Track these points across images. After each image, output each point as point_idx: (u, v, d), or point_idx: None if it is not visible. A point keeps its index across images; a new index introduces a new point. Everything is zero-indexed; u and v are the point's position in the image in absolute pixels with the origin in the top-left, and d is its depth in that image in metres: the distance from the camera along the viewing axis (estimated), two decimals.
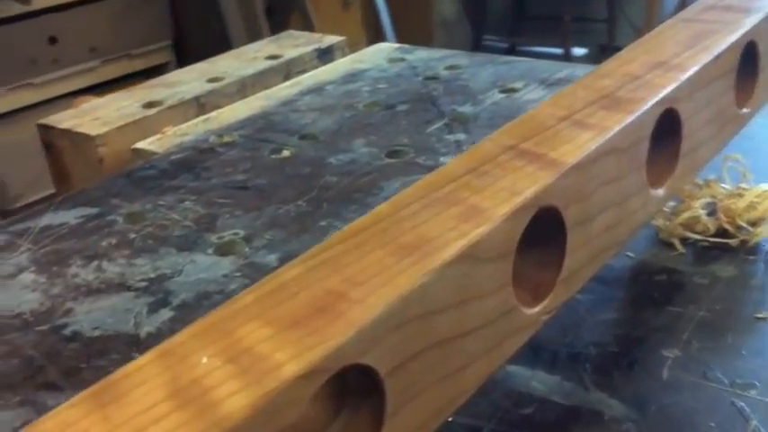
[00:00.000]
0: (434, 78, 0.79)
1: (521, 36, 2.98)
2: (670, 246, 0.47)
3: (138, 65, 2.35)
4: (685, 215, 0.47)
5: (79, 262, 0.52)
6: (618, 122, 0.36)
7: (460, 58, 0.84)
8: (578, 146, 0.34)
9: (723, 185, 0.49)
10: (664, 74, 0.41)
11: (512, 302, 0.31)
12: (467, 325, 0.29)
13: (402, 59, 0.85)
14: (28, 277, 0.51)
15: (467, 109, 0.70)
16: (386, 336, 0.25)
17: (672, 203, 0.49)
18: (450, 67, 0.81)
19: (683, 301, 0.42)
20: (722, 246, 0.46)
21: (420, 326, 0.26)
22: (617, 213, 0.37)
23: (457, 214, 0.29)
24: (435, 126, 0.68)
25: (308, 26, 2.56)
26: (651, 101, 0.38)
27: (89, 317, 0.46)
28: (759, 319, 0.40)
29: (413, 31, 2.64)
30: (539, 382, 0.38)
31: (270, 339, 0.23)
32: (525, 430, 0.35)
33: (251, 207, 0.57)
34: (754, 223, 0.47)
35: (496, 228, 0.29)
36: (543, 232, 0.34)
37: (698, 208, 0.47)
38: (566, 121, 0.36)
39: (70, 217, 0.58)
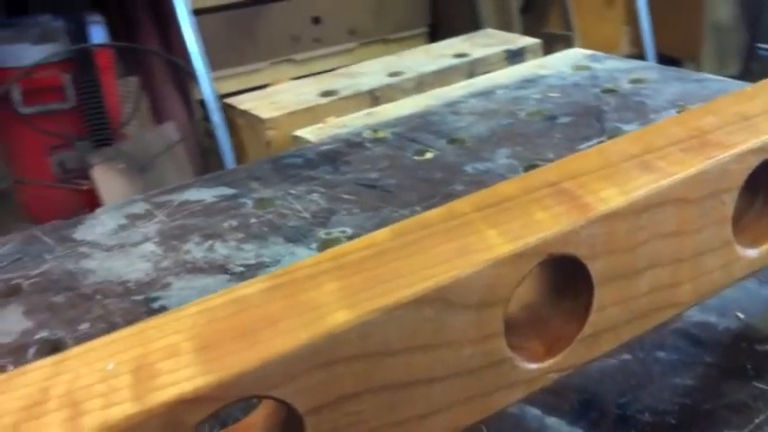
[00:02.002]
0: (612, 91, 0.74)
1: None
2: None
3: (393, 49, 2.42)
4: None
5: (197, 239, 0.54)
6: (687, 169, 0.32)
7: (650, 71, 0.79)
8: (626, 191, 0.30)
9: None
10: None
11: (502, 354, 0.28)
12: (432, 372, 0.27)
13: (587, 68, 0.81)
14: (148, 248, 0.54)
15: (631, 128, 0.65)
16: (307, 372, 0.24)
17: None
18: (635, 81, 0.76)
19: None
20: None
21: (361, 366, 0.25)
22: (678, 271, 0.33)
23: (446, 251, 0.27)
24: (589, 143, 0.64)
25: (566, 22, 2.51)
26: (742, 148, 0.33)
27: (180, 294, 0.48)
28: None
29: (679, 34, 2.49)
30: None
31: (180, 356, 0.23)
32: None
33: (369, 207, 0.57)
34: None
35: (478, 273, 0.27)
36: (578, 281, 0.31)
37: None
38: (634, 160, 0.33)
39: (208, 195, 0.61)
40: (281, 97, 0.80)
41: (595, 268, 0.30)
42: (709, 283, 0.34)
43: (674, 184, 0.31)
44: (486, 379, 0.28)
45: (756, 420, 0.35)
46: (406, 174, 0.61)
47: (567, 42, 2.64)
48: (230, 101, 0.81)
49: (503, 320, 0.28)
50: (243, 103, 0.80)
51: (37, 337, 0.45)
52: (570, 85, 0.77)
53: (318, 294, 0.26)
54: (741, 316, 0.42)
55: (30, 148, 1.97)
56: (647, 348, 0.40)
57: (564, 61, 0.84)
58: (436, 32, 2.52)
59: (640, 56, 2.31)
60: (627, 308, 0.31)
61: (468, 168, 0.61)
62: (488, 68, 0.87)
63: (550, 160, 0.61)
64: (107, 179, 2.03)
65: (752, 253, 0.35)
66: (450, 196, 0.57)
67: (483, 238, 0.28)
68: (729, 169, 0.33)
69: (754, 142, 0.33)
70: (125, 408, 0.21)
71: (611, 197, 0.30)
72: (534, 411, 0.36)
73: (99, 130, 1.99)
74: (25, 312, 0.47)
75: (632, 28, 2.45)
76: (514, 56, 0.89)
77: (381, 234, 0.29)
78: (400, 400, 0.26)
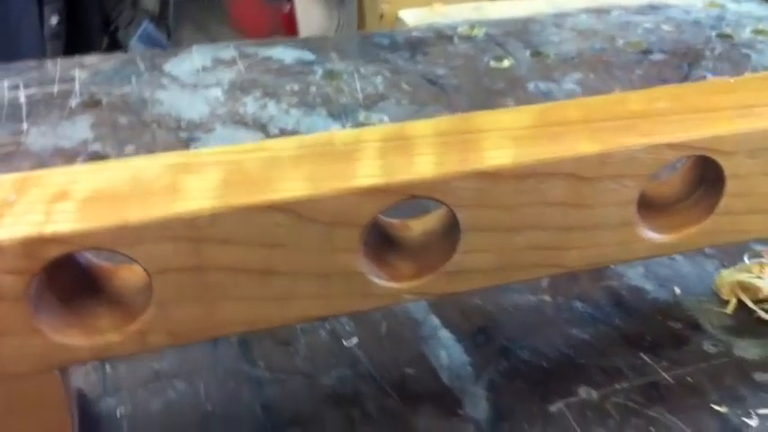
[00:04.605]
0: (727, 37, 0.72)
1: None
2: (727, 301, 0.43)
3: None
4: (744, 275, 0.41)
5: (257, 94, 0.61)
6: (587, 149, 0.34)
7: None
8: (516, 155, 0.33)
9: None
10: (732, 118, 0.36)
11: (353, 268, 0.33)
12: (275, 265, 0.32)
13: (720, 6, 0.78)
14: (214, 93, 0.61)
15: None
16: (155, 241, 0.29)
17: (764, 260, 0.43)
18: (758, 32, 0.73)
19: (664, 357, 0.39)
20: None
21: (207, 247, 0.30)
22: (564, 238, 0.35)
23: (323, 170, 0.32)
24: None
25: None
26: (657, 141, 0.34)
27: (215, 142, 0.55)
28: (714, 411, 0.37)
29: None
30: (448, 353, 0.39)
31: (64, 202, 0.29)
32: (371, 383, 0.37)
33: (418, 101, 0.60)
34: None
35: (332, 197, 0.31)
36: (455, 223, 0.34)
37: (756, 274, 0.41)
38: (555, 127, 0.35)
39: (290, 56, 0.66)
40: None
41: (463, 216, 0.33)
42: (600, 255, 0.36)
43: (565, 160, 0.33)
44: (336, 285, 0.33)
45: (617, 386, 0.38)
46: (471, 78, 0.64)
47: None
48: None
49: (360, 240, 0.32)
50: None
51: (89, 148, 0.54)
52: (690, 21, 0.75)
53: (197, 182, 0.31)
54: (677, 291, 0.43)
55: None
56: (570, 296, 0.43)
57: None
58: None
59: None
60: (499, 256, 0.35)
61: (531, 86, 0.63)
62: None
63: None
64: (307, 6, 2.12)
65: (658, 237, 0.37)
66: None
67: (359, 167, 0.32)
68: (638, 158, 0.34)
69: (676, 137, 0.35)
70: None
71: (497, 158, 0.33)
72: (435, 321, 0.41)
73: None
74: (92, 125, 0.56)
75: None
76: None
77: (288, 142, 0.34)
78: (244, 282, 0.32)
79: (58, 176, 0.31)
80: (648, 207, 0.38)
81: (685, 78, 0.64)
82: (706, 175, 0.38)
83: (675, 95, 0.38)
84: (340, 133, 0.34)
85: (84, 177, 0.31)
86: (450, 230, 0.35)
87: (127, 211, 0.29)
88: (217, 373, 0.37)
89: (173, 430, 0.34)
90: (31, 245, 0.28)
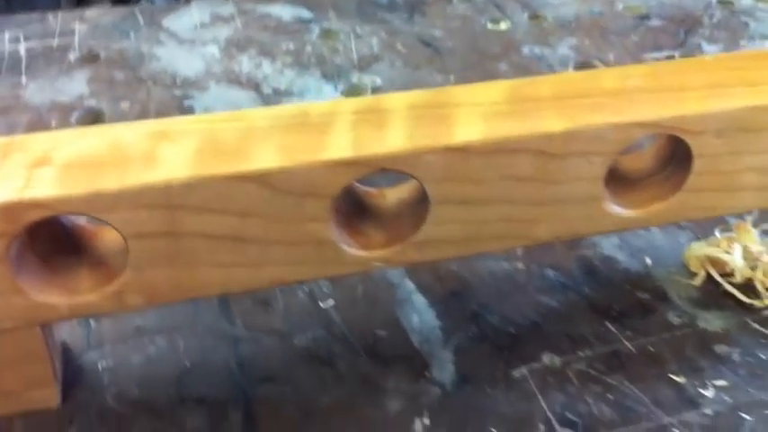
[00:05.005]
0: (728, 4, 0.71)
1: None
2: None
3: None
4: (713, 249, 0.43)
5: (252, 52, 0.61)
6: (554, 127, 0.35)
7: None
8: (485, 132, 0.34)
9: None
10: (702, 98, 0.37)
11: (324, 236, 0.34)
12: (248, 233, 0.33)
13: None
14: (211, 50, 0.62)
15: (713, 50, 0.64)
16: (130, 208, 0.31)
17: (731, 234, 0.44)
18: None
19: (629, 326, 0.40)
20: (740, 301, 0.42)
21: (181, 214, 0.31)
22: (533, 211, 0.36)
23: (295, 142, 0.33)
24: (657, 55, 0.63)
25: None
26: (626, 120, 0.35)
27: (209, 101, 0.56)
28: (672, 381, 0.38)
29: None
30: (420, 317, 0.41)
31: (46, 167, 0.31)
32: (344, 344, 0.39)
33: (411, 63, 0.61)
34: None
35: (302, 168, 0.32)
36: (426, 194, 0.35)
37: (725, 249, 0.42)
38: (526, 104, 0.36)
39: (288, 14, 0.67)
40: None
41: (432, 190, 0.34)
42: (567, 228, 0.38)
43: (532, 137, 0.34)
44: (306, 252, 0.34)
45: (580, 353, 0.39)
46: (467, 40, 0.64)
47: None
48: None
49: (330, 210, 0.34)
50: None
51: (85, 104, 0.55)
52: None
53: (173, 150, 0.32)
54: (649, 262, 0.44)
55: None
56: (543, 264, 0.44)
57: None
58: None
59: None
60: (467, 228, 0.36)
61: (525, 50, 0.63)
62: None
63: (607, 62, 0.62)
64: None
65: (625, 212, 0.38)
66: (490, 75, 0.60)
67: (331, 139, 0.33)
68: (605, 136, 0.35)
69: (643, 116, 0.35)
70: None
71: (467, 134, 0.34)
72: (410, 285, 0.42)
73: None
74: (89, 80, 0.57)
75: None
76: None
77: (265, 112, 0.35)
78: (217, 248, 0.33)
79: (40, 142, 0.32)
80: (620, 181, 0.39)
81: (680, 46, 0.65)
82: (676, 152, 0.39)
83: (649, 73, 0.38)
84: (316, 105, 0.35)
85: (65, 143, 0.32)
86: (421, 201, 0.36)
87: (104, 178, 0.31)
88: (196, 330, 0.39)
89: (151, 384, 0.36)
90: (11, 209, 0.30)
